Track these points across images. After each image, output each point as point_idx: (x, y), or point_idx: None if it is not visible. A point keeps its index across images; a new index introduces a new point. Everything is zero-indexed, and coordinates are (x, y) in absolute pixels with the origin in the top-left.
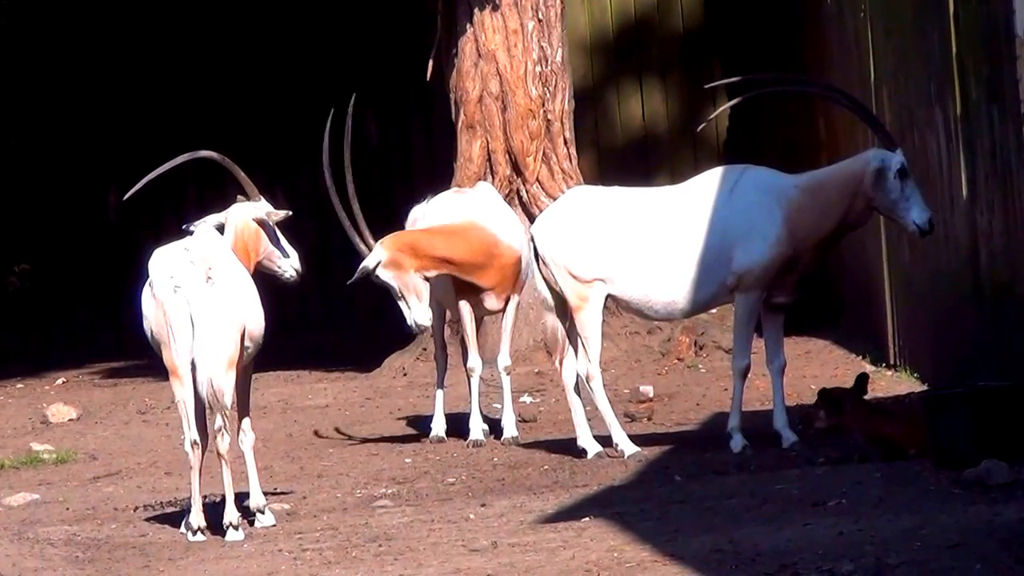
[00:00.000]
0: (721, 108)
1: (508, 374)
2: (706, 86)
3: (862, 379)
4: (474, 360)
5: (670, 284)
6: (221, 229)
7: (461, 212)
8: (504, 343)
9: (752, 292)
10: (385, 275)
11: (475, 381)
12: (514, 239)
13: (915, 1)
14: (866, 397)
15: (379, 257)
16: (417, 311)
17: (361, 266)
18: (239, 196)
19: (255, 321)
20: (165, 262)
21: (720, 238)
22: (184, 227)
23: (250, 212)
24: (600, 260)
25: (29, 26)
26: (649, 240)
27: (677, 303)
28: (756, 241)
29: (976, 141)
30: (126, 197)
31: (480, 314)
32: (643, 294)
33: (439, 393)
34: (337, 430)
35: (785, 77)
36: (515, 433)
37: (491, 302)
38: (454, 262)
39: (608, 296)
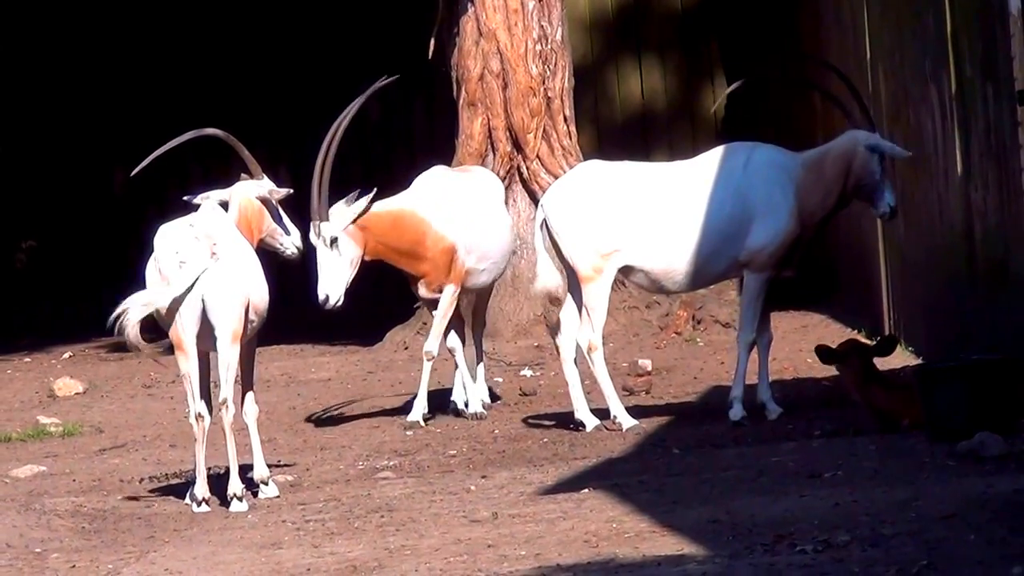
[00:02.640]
0: (727, 90)
1: (429, 360)
2: (727, 90)
3: (888, 341)
4: (431, 344)
5: (689, 256)
6: (224, 206)
7: (399, 199)
8: (434, 329)
9: (764, 269)
10: (345, 244)
11: (427, 366)
12: (449, 229)
13: None
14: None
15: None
16: (338, 288)
17: (326, 227)
18: (242, 174)
19: (259, 296)
20: (170, 238)
21: (740, 212)
22: (186, 199)
23: (253, 190)
24: (618, 232)
25: (36, 6)
26: (667, 213)
27: (696, 274)
28: (773, 217)
29: (971, 119)
30: (133, 174)
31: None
32: (664, 265)
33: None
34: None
35: (787, 79)
36: (417, 418)
37: (423, 290)
38: (387, 249)
39: (620, 269)
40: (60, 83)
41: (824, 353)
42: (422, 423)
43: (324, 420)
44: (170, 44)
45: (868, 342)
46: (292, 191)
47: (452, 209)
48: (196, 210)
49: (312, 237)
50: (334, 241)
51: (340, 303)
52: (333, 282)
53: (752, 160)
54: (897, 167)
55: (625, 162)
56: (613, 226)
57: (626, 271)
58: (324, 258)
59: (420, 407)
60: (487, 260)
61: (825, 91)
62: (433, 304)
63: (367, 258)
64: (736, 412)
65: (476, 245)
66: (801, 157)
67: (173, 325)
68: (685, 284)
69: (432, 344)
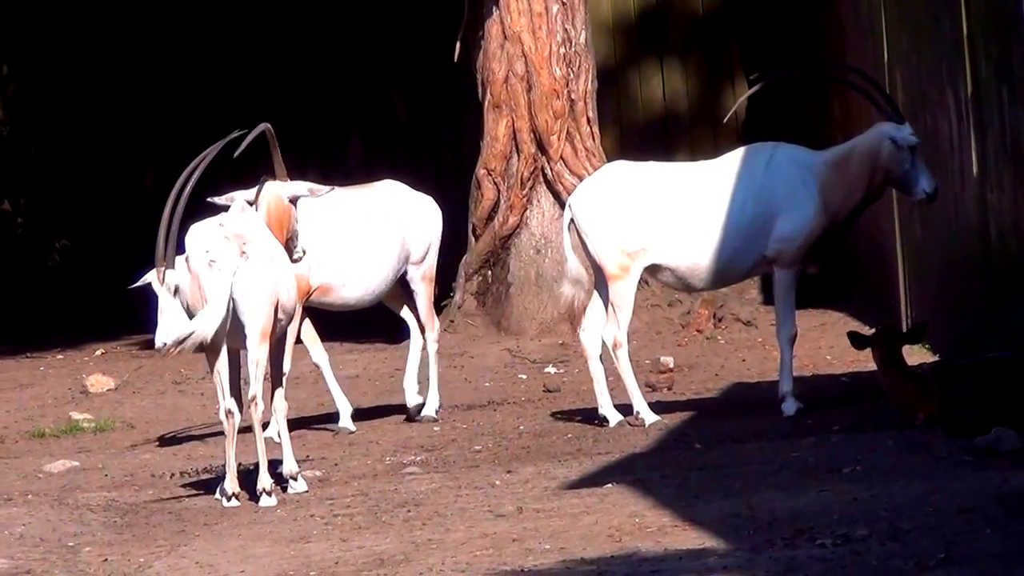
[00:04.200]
0: (745, 95)
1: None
2: (746, 95)
3: (920, 327)
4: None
5: (714, 254)
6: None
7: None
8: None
9: (792, 264)
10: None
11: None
12: None
13: None
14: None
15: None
16: (176, 333)
17: (172, 275)
18: (264, 176)
19: (287, 295)
20: (201, 237)
21: (763, 210)
22: (210, 200)
23: (286, 191)
24: (646, 231)
25: (73, 15)
26: (694, 212)
27: (719, 272)
28: (797, 213)
29: (986, 121)
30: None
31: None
32: (690, 264)
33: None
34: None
35: (807, 68)
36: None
37: None
38: None
39: (646, 268)
40: (93, 88)
41: (855, 338)
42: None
43: (353, 416)
44: (202, 50)
45: (899, 329)
46: (333, 188)
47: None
48: (224, 210)
49: (155, 284)
50: (177, 289)
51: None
52: (173, 328)
53: (774, 159)
54: None
55: (651, 162)
56: (640, 225)
57: (653, 269)
58: (166, 304)
59: (345, 410)
60: (346, 275)
61: (854, 84)
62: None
63: None
64: (789, 407)
65: (326, 260)
66: (825, 155)
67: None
68: (711, 281)
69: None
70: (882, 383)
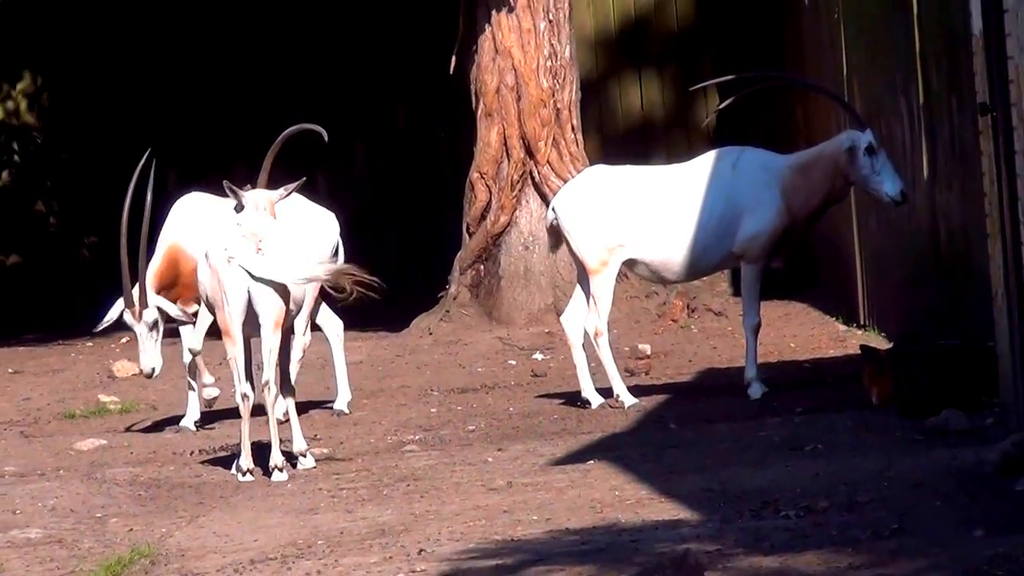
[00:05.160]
0: (723, 104)
1: (197, 354)
2: (697, 86)
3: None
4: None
5: (685, 249)
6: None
7: (162, 237)
8: (198, 332)
9: (757, 259)
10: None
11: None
12: (196, 250)
13: (883, 2)
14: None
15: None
16: (159, 360)
17: (148, 314)
18: (247, 185)
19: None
20: (220, 235)
21: (730, 209)
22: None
23: (273, 197)
24: (622, 229)
25: (102, 31)
26: (666, 211)
27: (693, 266)
28: (760, 213)
29: (937, 128)
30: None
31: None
32: (662, 258)
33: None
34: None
35: (773, 76)
36: (195, 420)
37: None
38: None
39: (624, 262)
40: (118, 97)
41: (866, 352)
42: (192, 428)
43: (356, 396)
44: (220, 62)
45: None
46: (304, 178)
47: (206, 232)
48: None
49: (131, 322)
50: (155, 324)
51: (159, 371)
52: (156, 357)
53: (740, 162)
54: None
55: (628, 166)
56: (617, 223)
57: (630, 263)
58: (145, 339)
59: (193, 411)
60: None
61: (828, 92)
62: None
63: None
64: (755, 390)
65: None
66: (790, 158)
67: (222, 313)
68: (683, 274)
69: (196, 341)
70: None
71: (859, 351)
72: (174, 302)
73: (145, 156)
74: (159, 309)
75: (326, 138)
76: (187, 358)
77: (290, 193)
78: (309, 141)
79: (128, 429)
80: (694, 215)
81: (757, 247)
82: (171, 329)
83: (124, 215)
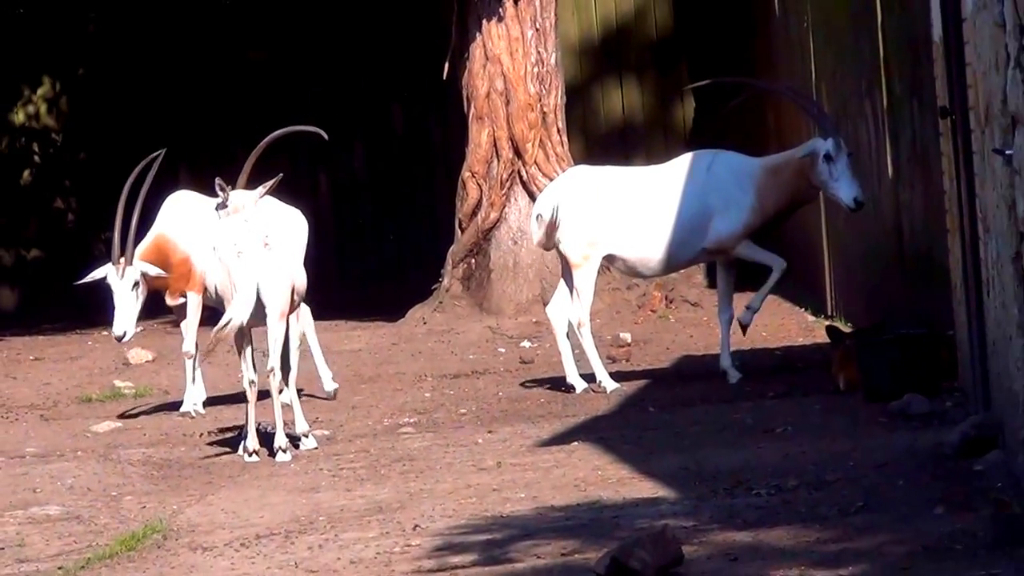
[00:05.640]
0: (733, 103)
1: (190, 359)
2: (692, 85)
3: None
4: (188, 344)
5: (659, 246)
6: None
7: (153, 228)
8: (188, 331)
9: (729, 256)
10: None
11: (188, 363)
12: (187, 245)
13: (849, 12)
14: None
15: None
16: (132, 325)
17: (131, 271)
18: (229, 186)
19: (300, 280)
20: (229, 230)
21: (702, 208)
22: (218, 182)
23: (253, 197)
24: (601, 226)
25: (114, 38)
26: (642, 210)
27: (667, 261)
28: (731, 212)
29: (900, 130)
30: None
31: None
32: (638, 254)
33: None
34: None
35: (750, 82)
36: (188, 409)
37: (168, 299)
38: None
39: (604, 257)
40: (131, 99)
41: (832, 333)
42: (193, 413)
43: (355, 382)
44: (229, 65)
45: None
46: (281, 175)
47: (193, 227)
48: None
49: (113, 280)
50: (135, 284)
51: (131, 337)
52: (130, 320)
53: (714, 164)
54: None
55: (607, 167)
56: (596, 221)
57: (609, 259)
58: (124, 299)
59: (191, 396)
60: None
61: (799, 102)
62: (180, 311)
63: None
64: (733, 376)
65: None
66: (762, 161)
67: (231, 304)
68: (657, 270)
69: (189, 344)
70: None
71: (826, 334)
72: (164, 293)
73: (157, 155)
74: (142, 273)
75: (326, 137)
76: (190, 348)
77: (267, 192)
78: (311, 143)
79: (124, 415)
80: (669, 214)
81: (728, 244)
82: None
83: (125, 188)
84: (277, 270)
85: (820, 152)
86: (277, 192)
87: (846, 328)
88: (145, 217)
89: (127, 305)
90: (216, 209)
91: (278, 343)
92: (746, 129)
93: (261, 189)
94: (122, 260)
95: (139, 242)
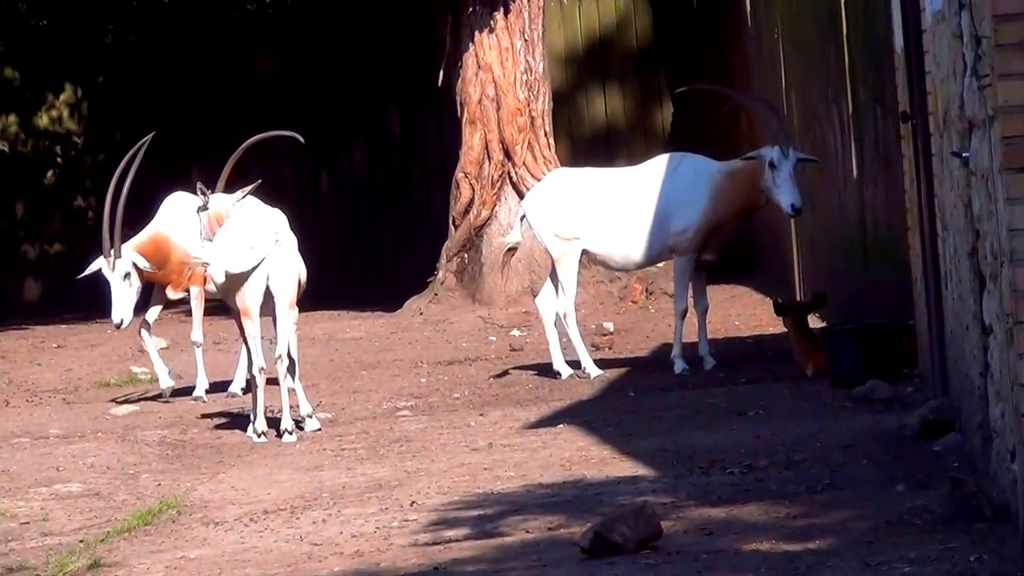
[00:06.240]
0: (727, 108)
1: (198, 347)
2: (682, 89)
3: (820, 298)
4: (195, 334)
5: (629, 242)
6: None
7: (151, 225)
8: (195, 323)
9: (686, 253)
10: (135, 275)
11: (198, 352)
12: (186, 243)
13: (816, 23)
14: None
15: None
16: (130, 313)
17: (120, 264)
18: (208, 189)
19: (303, 273)
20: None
21: (665, 208)
22: (200, 188)
23: (229, 201)
24: (578, 224)
25: (129, 48)
26: (614, 209)
27: (632, 257)
28: (688, 212)
29: (864, 134)
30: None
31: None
32: (608, 249)
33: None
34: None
35: (718, 89)
36: (201, 394)
37: (169, 293)
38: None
39: (583, 251)
40: (146, 103)
41: (776, 306)
42: (204, 398)
43: (355, 368)
44: (238, 71)
45: (805, 301)
46: (259, 181)
47: (189, 226)
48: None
49: (106, 271)
50: (127, 275)
51: (129, 324)
52: (127, 308)
53: (680, 166)
54: (807, 172)
55: (586, 168)
56: (573, 219)
57: (586, 253)
58: (119, 288)
59: (202, 385)
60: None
61: (755, 109)
62: (175, 303)
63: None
64: (679, 366)
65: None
66: (722, 165)
67: (240, 296)
68: (628, 264)
69: (196, 334)
70: (791, 342)
71: (772, 308)
72: (163, 287)
73: (142, 143)
74: (134, 265)
75: (302, 140)
76: (198, 337)
77: (246, 196)
78: (314, 146)
79: (118, 400)
80: (638, 212)
81: (685, 242)
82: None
83: (112, 184)
84: (286, 263)
85: (766, 159)
86: (283, 190)
87: (814, 321)
88: (135, 209)
89: (122, 294)
90: (197, 211)
91: (286, 331)
92: (721, 133)
93: (239, 193)
94: (112, 252)
95: (130, 237)
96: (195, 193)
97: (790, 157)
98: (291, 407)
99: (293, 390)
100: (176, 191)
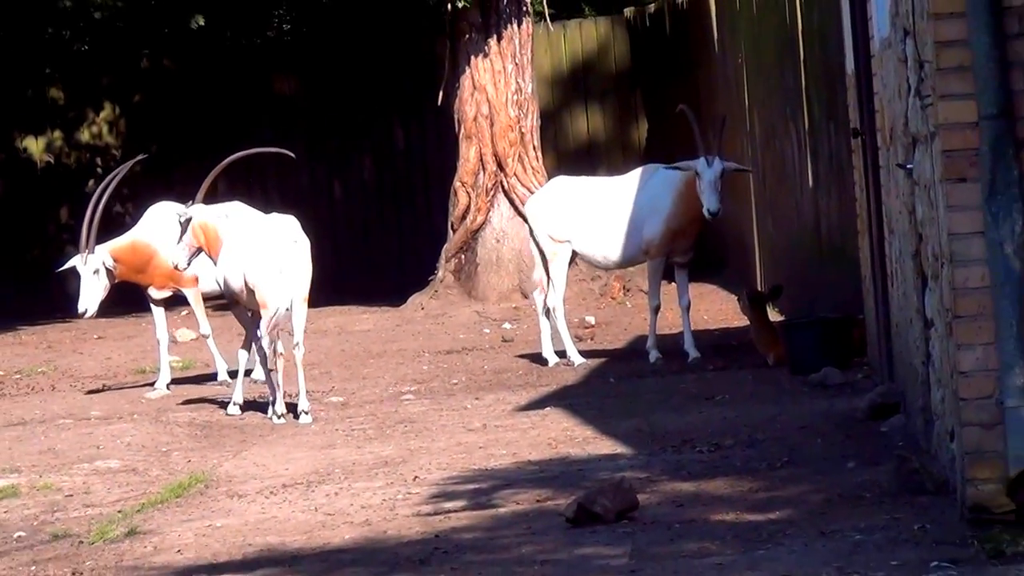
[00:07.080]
0: (721, 126)
1: (207, 339)
2: (678, 109)
3: (777, 289)
4: (204, 328)
5: (609, 243)
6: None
7: (131, 233)
8: (200, 319)
9: (656, 255)
10: (103, 272)
11: (211, 343)
12: (166, 249)
13: (776, 49)
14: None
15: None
16: (94, 304)
17: (92, 259)
18: (190, 201)
19: (311, 270)
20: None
21: (638, 215)
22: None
23: (212, 213)
24: (569, 227)
25: (169, 65)
26: (597, 214)
27: (611, 257)
28: (655, 218)
29: (819, 147)
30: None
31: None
32: (592, 251)
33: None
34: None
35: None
36: (225, 378)
37: (153, 293)
38: (128, 271)
39: (573, 252)
40: (174, 120)
41: (750, 297)
42: (229, 380)
43: (364, 357)
44: (259, 92)
45: (760, 292)
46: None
47: (170, 234)
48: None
49: (79, 266)
50: (96, 271)
51: (94, 314)
52: (92, 299)
53: (653, 177)
54: (768, 181)
55: (581, 177)
56: (564, 222)
57: (575, 254)
58: (87, 281)
59: (223, 368)
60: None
61: (692, 124)
62: (163, 302)
63: (116, 280)
64: (653, 356)
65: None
66: (684, 175)
67: (260, 292)
68: (607, 264)
69: (204, 328)
70: (753, 334)
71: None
72: (146, 286)
73: (135, 160)
74: (103, 263)
75: (292, 156)
76: (206, 330)
77: (226, 212)
78: (329, 157)
79: (135, 388)
80: (616, 217)
81: (654, 245)
82: (224, 304)
83: (98, 190)
84: (303, 262)
85: (694, 169)
86: (299, 196)
87: (773, 315)
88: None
89: (89, 287)
90: (179, 221)
91: (302, 322)
92: (692, 147)
93: (221, 207)
94: (86, 250)
95: (106, 241)
96: (243, 199)
97: (713, 166)
98: (295, 393)
99: (275, 371)
100: (224, 200)
